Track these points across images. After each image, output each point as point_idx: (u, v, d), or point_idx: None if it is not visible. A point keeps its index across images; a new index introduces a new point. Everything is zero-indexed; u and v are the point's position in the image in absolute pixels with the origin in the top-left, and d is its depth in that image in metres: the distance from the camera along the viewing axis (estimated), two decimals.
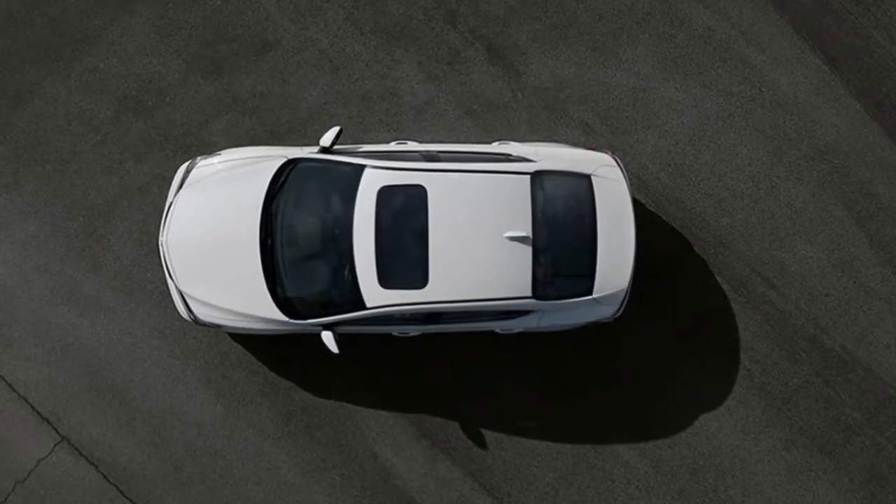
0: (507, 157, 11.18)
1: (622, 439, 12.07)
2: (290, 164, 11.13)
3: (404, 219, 10.80)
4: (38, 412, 12.01)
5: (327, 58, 12.27)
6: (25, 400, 12.02)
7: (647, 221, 12.21)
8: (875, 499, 12.08)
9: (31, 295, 12.08)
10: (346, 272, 10.88)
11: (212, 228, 11.08)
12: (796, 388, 12.12)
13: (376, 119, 12.21)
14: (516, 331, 11.49)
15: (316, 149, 11.31)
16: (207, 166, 11.30)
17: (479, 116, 12.23)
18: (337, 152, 11.22)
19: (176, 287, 11.28)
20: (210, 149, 12.22)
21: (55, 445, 11.98)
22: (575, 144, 12.19)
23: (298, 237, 10.97)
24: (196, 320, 11.35)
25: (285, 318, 11.09)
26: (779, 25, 12.33)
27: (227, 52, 12.26)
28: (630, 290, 11.36)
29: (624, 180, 11.21)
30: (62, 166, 12.17)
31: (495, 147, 11.36)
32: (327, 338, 11.04)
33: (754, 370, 12.13)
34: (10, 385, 12.03)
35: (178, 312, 11.93)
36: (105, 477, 12.00)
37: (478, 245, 10.78)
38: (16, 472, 12.00)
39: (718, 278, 12.16)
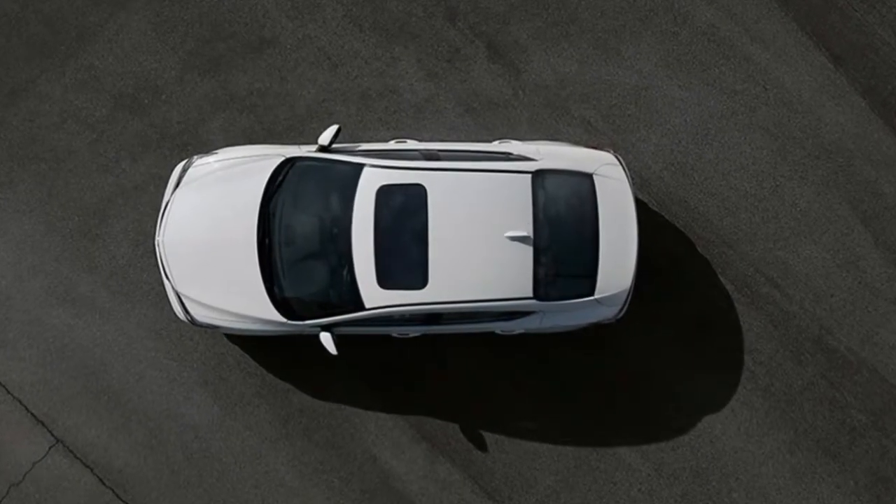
0: (507, 156, 11.18)
1: (624, 442, 12.06)
2: (288, 162, 11.13)
3: (404, 218, 10.79)
4: (32, 414, 11.99)
5: (326, 55, 12.24)
6: (20, 402, 12.00)
7: (649, 221, 12.20)
8: (880, 502, 12.08)
9: (26, 295, 12.06)
10: (345, 272, 10.87)
11: (209, 228, 11.07)
12: (801, 389, 12.11)
13: (375, 117, 12.19)
14: (517, 332, 11.49)
15: (314, 147, 11.30)
16: (204, 165, 11.29)
17: (480, 115, 12.21)
18: (335, 151, 11.21)
19: (172, 287, 11.26)
20: (207, 147, 12.20)
21: (50, 448, 11.97)
22: (577, 143, 12.18)
23: (296, 237, 10.97)
24: (193, 321, 11.34)
25: (283, 320, 11.08)
26: (783, 22, 12.33)
27: (224, 49, 12.24)
28: (632, 290, 11.36)
29: (626, 179, 11.21)
30: (57, 165, 12.14)
31: (496, 146, 11.35)
32: (326, 339, 11.03)
33: (758, 372, 12.11)
34: (4, 387, 12.01)
35: (175, 313, 11.90)
36: (101, 480, 11.99)
37: (478, 245, 10.78)
38: (10, 475, 11.97)
39: (722, 279, 12.16)
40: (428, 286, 10.78)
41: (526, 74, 12.26)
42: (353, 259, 10.79)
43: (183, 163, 11.40)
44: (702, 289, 12.13)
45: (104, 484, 11.97)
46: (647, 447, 12.06)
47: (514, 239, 10.82)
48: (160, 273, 11.91)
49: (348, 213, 10.83)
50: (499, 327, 11.31)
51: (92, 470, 11.97)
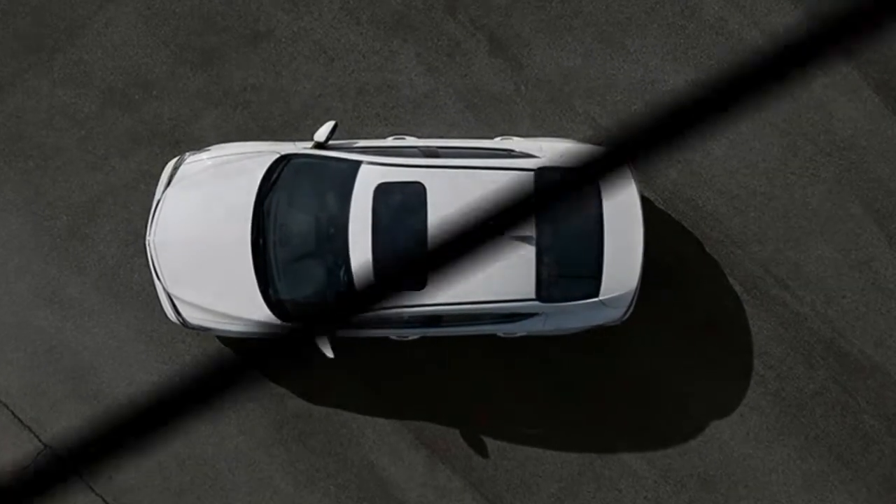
0: (509, 153, 11.17)
1: (629, 448, 12.07)
2: (283, 160, 11.11)
3: (402, 217, 10.78)
4: (19, 419, 12.00)
5: (322, 49, 12.23)
6: (6, 406, 12.01)
7: (655, 220, 12.20)
8: None
9: (13, 297, 12.07)
10: (342, 273, 10.83)
11: (201, 228, 11.07)
12: (812, 394, 12.13)
13: (373, 113, 12.17)
14: (519, 334, 11.46)
15: (310, 144, 11.28)
16: (196, 162, 11.28)
17: (481, 110, 12.20)
18: (332, 148, 11.19)
19: (163, 289, 11.25)
20: (199, 144, 12.20)
21: (38, 454, 11.99)
22: (581, 139, 12.15)
23: (292, 237, 10.96)
24: (184, 323, 11.33)
25: (278, 322, 11.03)
26: (793, 15, 12.33)
27: (217, 43, 12.23)
28: (638, 291, 11.36)
29: (632, 177, 11.17)
30: (44, 162, 12.13)
31: (497, 142, 11.35)
32: (322, 341, 10.96)
33: (768, 375, 12.12)
34: None
35: (166, 315, 11.86)
36: (90, 487, 11.99)
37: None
38: None
39: (731, 279, 12.16)
40: (427, 287, 10.61)
41: (528, 69, 12.24)
42: (351, 259, 10.78)
43: (174, 160, 11.40)
44: (709, 290, 12.13)
45: (94, 491, 11.98)
46: (653, 453, 12.07)
47: (516, 238, 10.69)
48: (151, 274, 11.97)
49: (345, 212, 10.81)
50: (500, 329, 11.29)
51: (81, 476, 11.86)
